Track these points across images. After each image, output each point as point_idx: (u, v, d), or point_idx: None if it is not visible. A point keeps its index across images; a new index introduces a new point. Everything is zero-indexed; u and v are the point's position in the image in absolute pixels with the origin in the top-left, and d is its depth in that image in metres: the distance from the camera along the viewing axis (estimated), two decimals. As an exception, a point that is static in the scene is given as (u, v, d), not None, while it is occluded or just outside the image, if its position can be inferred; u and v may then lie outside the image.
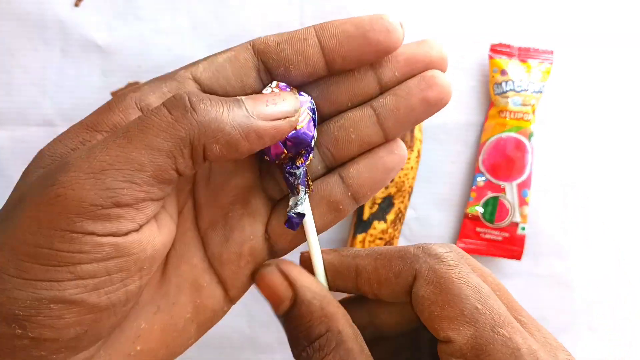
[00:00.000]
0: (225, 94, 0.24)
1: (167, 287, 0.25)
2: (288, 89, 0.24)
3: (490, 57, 0.45)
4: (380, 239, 0.43)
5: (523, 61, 0.45)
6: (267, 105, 0.22)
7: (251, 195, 0.26)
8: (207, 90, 0.23)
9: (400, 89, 0.25)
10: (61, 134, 0.22)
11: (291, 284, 0.23)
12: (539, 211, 0.45)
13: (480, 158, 0.45)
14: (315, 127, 0.24)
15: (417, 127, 0.43)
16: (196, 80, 0.23)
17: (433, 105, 0.24)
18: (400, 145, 0.26)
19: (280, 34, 0.24)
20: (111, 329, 0.22)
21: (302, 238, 0.26)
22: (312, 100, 0.25)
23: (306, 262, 0.26)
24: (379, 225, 0.42)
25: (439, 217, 0.46)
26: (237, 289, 0.26)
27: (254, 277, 0.24)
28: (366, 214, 0.43)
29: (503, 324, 0.21)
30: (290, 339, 0.23)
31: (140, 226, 0.21)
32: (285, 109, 0.22)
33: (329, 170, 0.26)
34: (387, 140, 0.25)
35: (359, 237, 0.43)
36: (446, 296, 0.22)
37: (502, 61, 0.45)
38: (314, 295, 0.23)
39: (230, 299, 0.26)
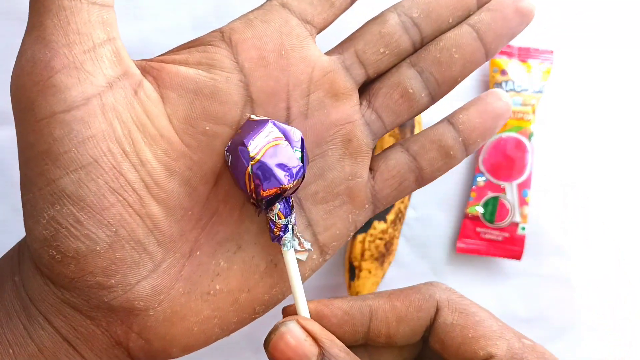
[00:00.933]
0: (313, 8, 0.24)
1: (248, 225, 0.24)
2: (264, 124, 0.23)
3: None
4: (380, 239, 0.43)
5: (523, 61, 0.45)
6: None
7: (353, 133, 0.25)
8: (297, 12, 0.24)
9: (493, 4, 0.25)
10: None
11: (316, 339, 0.22)
12: (539, 211, 0.45)
13: (481, 158, 0.45)
14: (303, 166, 0.23)
15: (417, 126, 0.43)
16: (284, 6, 0.24)
17: (525, 16, 0.25)
18: (505, 94, 0.26)
19: None
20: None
21: (411, 186, 0.26)
22: (302, 137, 0.23)
23: (292, 314, 0.24)
24: (379, 225, 0.42)
25: (439, 217, 0.46)
26: (329, 235, 0.25)
27: (266, 341, 0.23)
28: (366, 214, 0.43)
29: (521, 335, 0.23)
30: None
31: None
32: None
33: (433, 97, 0.26)
34: (487, 57, 0.26)
35: (359, 237, 0.43)
36: (474, 319, 0.23)
37: (502, 61, 0.45)
38: (340, 350, 0.22)
39: (320, 247, 0.25)
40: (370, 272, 0.43)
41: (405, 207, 0.44)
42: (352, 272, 0.43)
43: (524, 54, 0.45)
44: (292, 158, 0.22)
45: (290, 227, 0.23)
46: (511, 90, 0.44)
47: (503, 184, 0.45)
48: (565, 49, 0.46)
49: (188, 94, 0.22)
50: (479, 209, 0.45)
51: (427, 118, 0.45)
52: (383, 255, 0.43)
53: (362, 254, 0.43)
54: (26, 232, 0.22)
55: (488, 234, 0.45)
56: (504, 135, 0.44)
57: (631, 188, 0.46)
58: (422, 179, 0.26)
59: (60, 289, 0.21)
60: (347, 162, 0.25)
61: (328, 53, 0.26)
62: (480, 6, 0.26)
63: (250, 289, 0.24)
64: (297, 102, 0.24)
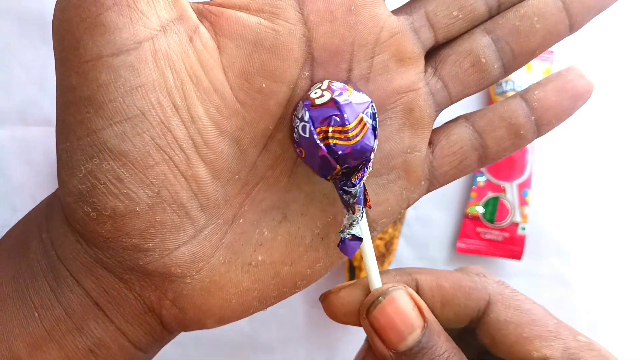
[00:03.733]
0: None
1: (296, 194, 0.23)
2: (340, 90, 0.21)
3: (491, 57, 0.45)
4: (380, 239, 0.43)
5: (523, 61, 0.45)
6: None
7: (416, 102, 0.23)
8: None
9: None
10: None
11: (421, 312, 0.21)
12: (539, 211, 0.45)
13: (481, 158, 0.45)
14: (376, 137, 0.21)
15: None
16: None
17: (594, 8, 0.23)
18: (587, 72, 0.24)
19: None
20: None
21: (473, 165, 0.24)
22: (373, 104, 0.21)
23: (340, 300, 0.23)
24: (379, 225, 0.42)
25: (439, 217, 0.46)
26: (380, 211, 0.23)
27: (370, 306, 0.21)
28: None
29: (577, 333, 0.22)
30: None
31: None
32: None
33: (506, 70, 0.24)
34: (572, 30, 0.24)
35: (359, 237, 0.43)
36: (529, 317, 0.22)
37: (503, 61, 0.45)
38: (439, 326, 0.21)
39: (370, 222, 0.23)
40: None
41: (406, 207, 0.44)
42: (352, 272, 0.43)
43: (524, 54, 0.45)
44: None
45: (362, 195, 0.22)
46: (511, 90, 0.44)
47: (503, 184, 0.45)
48: (565, 49, 0.46)
49: (247, 45, 0.20)
50: (479, 209, 0.45)
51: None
52: (383, 255, 0.43)
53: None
54: (59, 184, 0.20)
55: (488, 234, 0.45)
56: (504, 135, 0.44)
57: (631, 188, 0.46)
58: (485, 159, 0.24)
59: (93, 247, 0.20)
60: (406, 133, 0.23)
61: (396, 12, 0.23)
62: None
63: (294, 262, 0.23)
64: (360, 64, 0.22)
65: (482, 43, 0.23)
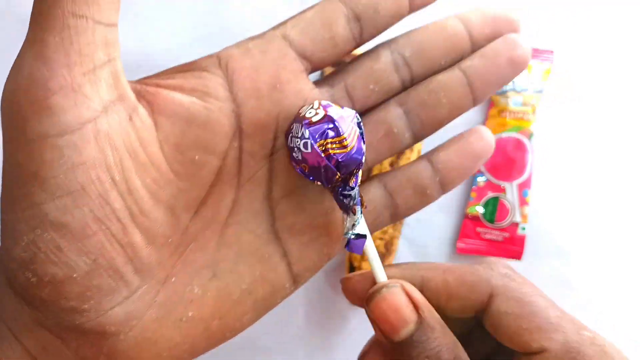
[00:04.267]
0: (314, 46, 0.24)
1: (226, 253, 0.24)
2: (331, 106, 0.23)
3: (491, 57, 0.45)
4: (381, 239, 0.43)
5: (523, 61, 0.45)
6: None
7: None
8: (297, 46, 0.24)
9: (487, 51, 0.26)
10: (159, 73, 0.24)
11: (417, 307, 0.22)
12: (539, 211, 0.45)
13: (481, 158, 0.45)
14: (364, 142, 0.24)
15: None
16: (285, 38, 0.24)
17: (518, 65, 0.26)
18: (488, 132, 0.26)
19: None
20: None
21: (385, 222, 0.26)
22: (357, 114, 0.24)
23: (353, 285, 0.25)
24: (379, 225, 0.42)
25: (439, 217, 0.46)
26: (303, 266, 0.26)
27: (369, 298, 0.23)
28: (366, 214, 0.43)
29: (581, 327, 0.23)
30: None
31: None
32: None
33: (416, 138, 0.26)
34: (475, 104, 0.26)
35: (359, 237, 0.43)
36: (530, 309, 0.22)
37: (502, 61, 0.45)
38: (437, 321, 0.22)
39: (294, 277, 0.26)
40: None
41: (405, 207, 0.44)
42: (352, 272, 0.43)
43: (524, 54, 0.45)
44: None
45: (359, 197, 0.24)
46: (511, 90, 0.44)
47: (503, 184, 0.45)
48: (565, 49, 0.46)
49: (181, 121, 0.22)
50: (479, 209, 0.45)
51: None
52: (383, 255, 0.43)
53: (362, 254, 0.43)
54: (3, 251, 0.21)
55: (488, 234, 0.45)
56: (504, 135, 0.44)
57: (631, 188, 0.46)
58: (396, 216, 0.27)
59: (33, 309, 0.21)
60: (326, 195, 0.25)
61: (319, 84, 0.26)
62: (474, 50, 0.26)
63: (222, 316, 0.24)
64: (284, 134, 0.24)
65: (395, 115, 0.26)
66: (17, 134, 0.19)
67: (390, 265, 0.25)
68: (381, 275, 0.24)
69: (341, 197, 0.23)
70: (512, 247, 0.45)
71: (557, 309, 0.23)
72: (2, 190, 0.21)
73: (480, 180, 0.45)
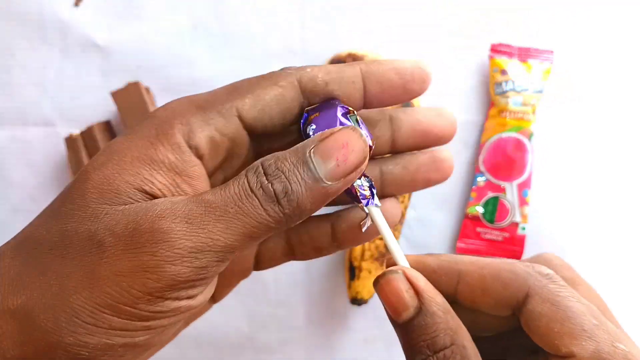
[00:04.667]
0: (264, 130, 0.24)
1: None
2: (348, 116, 0.24)
3: (490, 57, 0.45)
4: (381, 239, 0.43)
5: (523, 61, 0.45)
6: (337, 166, 0.22)
7: None
8: (248, 125, 0.24)
9: (411, 164, 0.27)
10: (113, 161, 0.22)
11: (417, 293, 0.23)
12: (539, 211, 0.45)
13: (481, 158, 0.45)
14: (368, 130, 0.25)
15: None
16: (241, 118, 0.24)
17: (433, 183, 0.28)
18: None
19: (326, 71, 0.24)
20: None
21: (284, 261, 0.29)
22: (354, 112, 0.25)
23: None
24: (379, 225, 0.42)
25: (439, 217, 0.46)
26: (221, 294, 0.28)
27: (376, 281, 0.24)
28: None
29: (620, 339, 0.22)
30: (407, 346, 0.23)
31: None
32: (356, 161, 0.22)
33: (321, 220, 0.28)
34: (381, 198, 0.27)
35: (359, 237, 0.43)
36: (565, 313, 0.22)
37: (502, 61, 0.45)
38: (439, 307, 0.23)
39: (214, 299, 0.28)
40: (370, 272, 0.43)
41: (405, 208, 0.44)
42: (352, 272, 0.43)
43: (524, 54, 0.45)
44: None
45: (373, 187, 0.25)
46: (511, 90, 0.44)
47: (503, 184, 0.45)
48: (565, 49, 0.46)
49: None
50: (479, 209, 0.45)
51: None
52: (383, 255, 0.43)
53: (362, 254, 0.43)
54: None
55: (488, 234, 0.45)
56: (504, 135, 0.44)
57: (631, 188, 0.46)
58: (294, 258, 0.29)
59: None
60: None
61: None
62: (394, 148, 0.27)
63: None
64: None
65: None
66: None
67: (431, 255, 0.26)
68: (402, 260, 0.25)
69: (355, 187, 0.24)
70: (512, 247, 0.45)
71: (597, 317, 0.23)
72: None
73: (480, 180, 0.45)
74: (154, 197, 0.21)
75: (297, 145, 0.22)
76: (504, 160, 0.44)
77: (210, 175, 0.24)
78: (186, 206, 0.20)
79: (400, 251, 0.25)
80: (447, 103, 0.46)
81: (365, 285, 0.43)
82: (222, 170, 0.25)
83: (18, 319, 0.20)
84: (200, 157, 0.23)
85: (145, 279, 0.19)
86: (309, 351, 0.45)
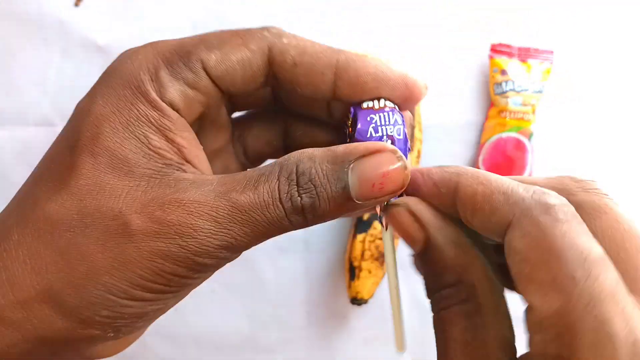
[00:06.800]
0: (228, 90, 0.23)
1: None
2: (395, 111, 0.23)
3: (490, 57, 0.45)
4: (380, 239, 0.43)
5: (523, 61, 0.45)
6: (372, 191, 0.21)
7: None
8: (215, 81, 0.23)
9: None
10: (107, 130, 0.21)
11: (422, 226, 0.22)
12: (539, 211, 0.45)
13: (481, 158, 0.45)
14: (408, 142, 0.24)
15: (417, 126, 0.43)
16: (208, 73, 0.23)
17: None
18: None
19: (302, 49, 0.23)
20: None
21: None
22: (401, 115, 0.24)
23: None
24: (379, 226, 0.42)
25: (439, 217, 0.46)
26: None
27: (385, 213, 0.23)
28: (366, 215, 0.43)
29: (603, 301, 0.17)
30: (423, 278, 0.22)
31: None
32: (392, 190, 0.21)
33: None
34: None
35: (359, 237, 0.43)
36: (541, 255, 0.18)
37: (502, 61, 0.45)
38: (448, 242, 0.21)
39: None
40: (370, 272, 0.43)
41: (405, 207, 0.44)
42: (352, 272, 0.43)
43: (524, 54, 0.45)
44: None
45: None
46: (511, 90, 0.44)
47: (503, 184, 0.45)
48: (565, 49, 0.46)
49: None
50: (479, 209, 0.45)
51: (427, 120, 0.45)
52: (383, 255, 0.43)
53: (362, 254, 0.43)
54: None
55: (488, 234, 0.45)
56: (504, 135, 0.44)
57: (631, 188, 0.46)
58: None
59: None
60: None
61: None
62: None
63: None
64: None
65: None
66: None
67: (438, 167, 0.23)
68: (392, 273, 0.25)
69: None
70: (512, 247, 0.44)
71: (587, 271, 0.17)
72: None
73: (480, 180, 0.45)
74: (163, 158, 0.21)
75: (338, 150, 0.21)
76: (503, 160, 0.44)
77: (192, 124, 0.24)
78: (214, 203, 0.20)
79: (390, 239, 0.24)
80: (447, 103, 0.46)
81: (365, 285, 0.43)
82: (200, 120, 0.25)
83: (47, 302, 0.20)
84: (177, 111, 0.22)
85: (175, 266, 0.20)
86: (309, 351, 0.45)
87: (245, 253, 0.30)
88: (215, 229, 0.20)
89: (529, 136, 0.44)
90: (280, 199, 0.20)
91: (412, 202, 0.22)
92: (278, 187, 0.21)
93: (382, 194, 0.21)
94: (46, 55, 0.45)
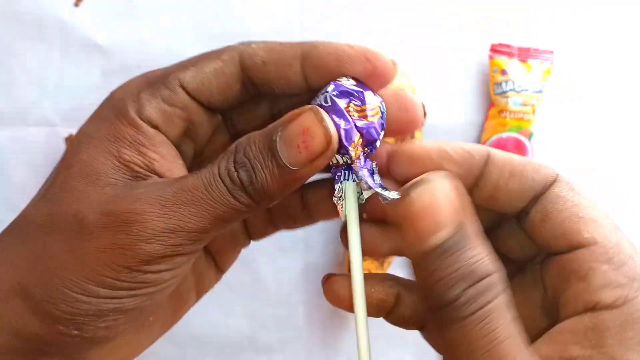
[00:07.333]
0: (209, 103, 0.25)
1: None
2: (364, 85, 0.23)
3: (490, 57, 0.45)
4: (381, 239, 0.43)
5: (523, 61, 0.45)
6: (300, 153, 0.21)
7: None
8: (192, 94, 0.24)
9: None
10: (85, 145, 0.23)
11: (461, 209, 0.21)
12: (539, 211, 0.45)
13: (481, 158, 0.45)
14: (383, 129, 0.24)
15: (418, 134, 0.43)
16: (184, 89, 0.24)
17: (404, 125, 0.25)
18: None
19: (269, 49, 0.24)
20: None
21: None
22: (383, 102, 0.24)
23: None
24: (379, 225, 0.42)
25: (439, 217, 0.46)
26: (225, 264, 0.29)
27: (405, 194, 0.21)
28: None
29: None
30: (430, 281, 0.20)
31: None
32: (319, 148, 0.21)
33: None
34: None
35: (359, 237, 0.43)
36: (588, 202, 0.24)
37: (502, 61, 0.45)
38: (479, 230, 0.20)
39: (221, 270, 0.29)
40: (370, 272, 0.43)
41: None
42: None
43: (524, 54, 0.45)
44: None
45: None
46: (511, 90, 0.44)
47: (503, 184, 0.45)
48: (565, 49, 0.46)
49: None
50: (479, 209, 0.45)
51: (427, 120, 0.45)
52: (382, 255, 0.43)
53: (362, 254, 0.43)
54: None
55: (488, 234, 0.45)
56: (504, 135, 0.44)
57: (631, 188, 0.46)
58: (278, 227, 0.30)
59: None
60: None
61: None
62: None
63: (176, 312, 0.27)
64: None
65: None
66: None
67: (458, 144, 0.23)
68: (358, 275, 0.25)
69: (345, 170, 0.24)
70: (512, 247, 0.44)
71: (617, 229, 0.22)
72: None
73: (480, 180, 0.45)
74: (131, 171, 0.22)
75: (269, 126, 0.22)
76: (504, 160, 0.44)
77: (178, 142, 0.25)
78: (161, 189, 0.21)
79: (357, 235, 0.25)
80: (447, 103, 0.46)
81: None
82: (191, 139, 0.26)
83: (19, 296, 0.21)
84: (155, 127, 0.23)
85: (122, 255, 0.21)
86: (309, 351, 0.45)
87: (245, 253, 0.31)
88: (160, 212, 0.21)
89: (529, 136, 0.44)
90: (220, 175, 0.21)
91: (449, 175, 0.21)
92: (218, 166, 0.21)
93: (312, 155, 0.21)
94: (46, 55, 0.45)
